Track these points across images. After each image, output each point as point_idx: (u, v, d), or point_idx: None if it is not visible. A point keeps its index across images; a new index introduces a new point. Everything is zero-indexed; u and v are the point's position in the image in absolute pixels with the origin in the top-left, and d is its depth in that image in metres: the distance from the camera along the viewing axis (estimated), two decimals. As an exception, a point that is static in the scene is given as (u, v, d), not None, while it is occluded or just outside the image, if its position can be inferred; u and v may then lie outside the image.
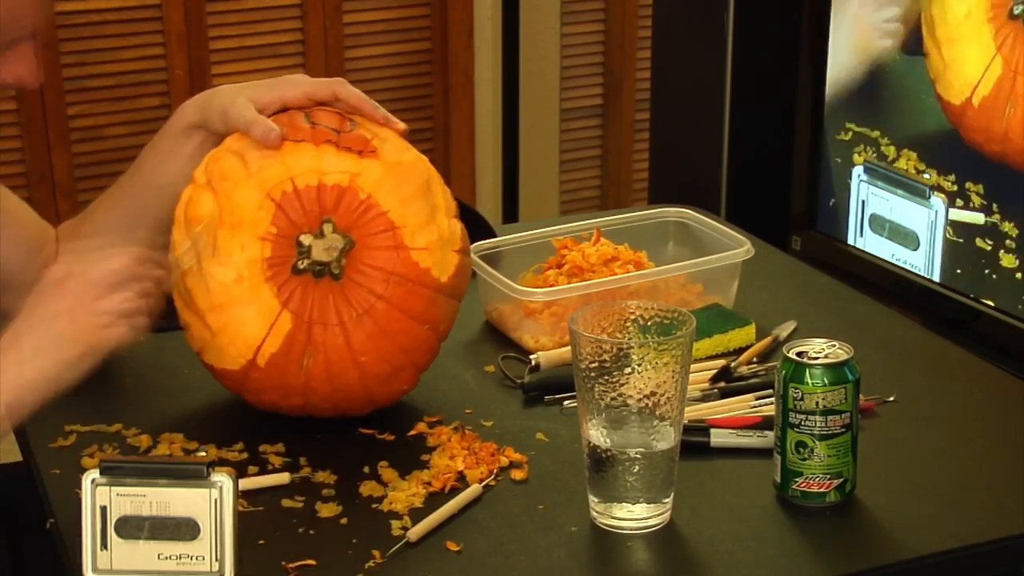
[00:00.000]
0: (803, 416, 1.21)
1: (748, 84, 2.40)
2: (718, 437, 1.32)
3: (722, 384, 1.45)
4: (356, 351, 1.30)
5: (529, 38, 3.39)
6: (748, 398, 1.42)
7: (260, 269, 1.29)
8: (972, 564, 1.20)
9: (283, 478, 1.27)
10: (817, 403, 1.21)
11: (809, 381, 1.21)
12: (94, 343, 1.24)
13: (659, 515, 1.21)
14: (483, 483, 1.26)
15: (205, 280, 1.29)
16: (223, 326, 1.29)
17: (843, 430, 1.22)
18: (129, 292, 1.26)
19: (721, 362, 1.48)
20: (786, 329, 1.57)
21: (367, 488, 1.26)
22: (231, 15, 3.21)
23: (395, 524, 1.20)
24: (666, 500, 1.21)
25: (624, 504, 1.20)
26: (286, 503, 1.24)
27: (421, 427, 1.37)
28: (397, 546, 1.17)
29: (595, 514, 1.22)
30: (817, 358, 1.22)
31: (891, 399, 1.41)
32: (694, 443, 1.29)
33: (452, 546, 1.18)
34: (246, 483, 1.24)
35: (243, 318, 1.29)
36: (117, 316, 1.25)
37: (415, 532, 1.18)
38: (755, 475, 1.28)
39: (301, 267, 1.30)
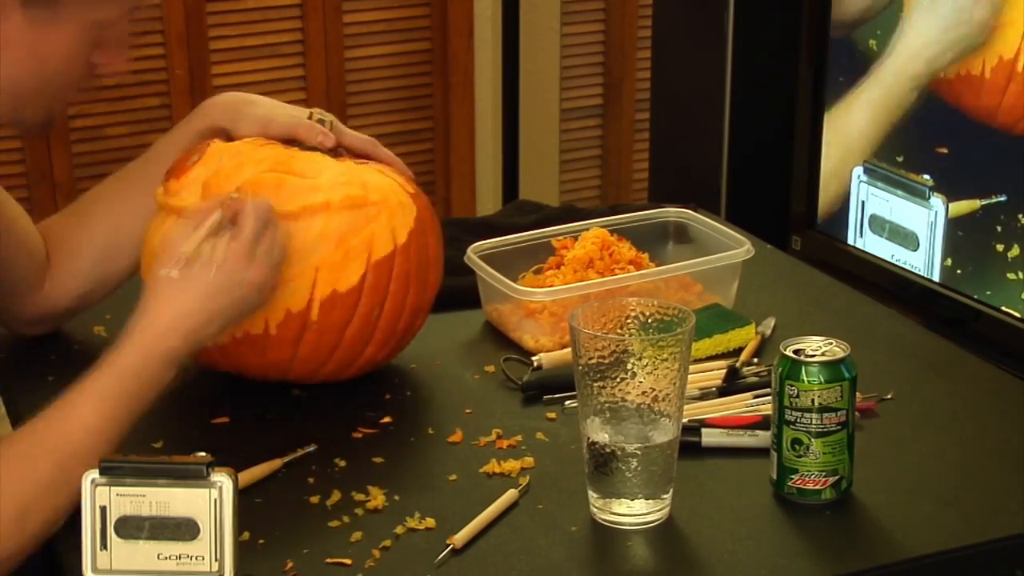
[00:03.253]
0: (799, 413, 1.22)
1: (748, 84, 2.40)
2: (709, 437, 1.33)
3: (721, 383, 1.45)
4: None
5: (529, 38, 3.39)
6: (745, 396, 1.42)
7: None
8: (972, 564, 1.20)
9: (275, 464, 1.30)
10: (813, 400, 1.21)
11: (805, 378, 1.21)
12: (270, 294, 1.32)
13: (658, 511, 1.21)
14: (520, 488, 1.27)
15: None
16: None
17: (839, 427, 1.22)
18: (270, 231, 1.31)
19: (722, 362, 1.48)
20: (768, 325, 1.57)
21: (367, 494, 1.27)
22: (231, 15, 3.21)
23: (395, 523, 1.21)
24: (665, 496, 1.21)
25: (623, 500, 1.20)
26: (285, 502, 1.25)
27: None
28: (444, 553, 1.17)
29: (595, 510, 1.22)
30: (814, 355, 1.22)
31: (888, 397, 1.41)
32: (685, 443, 1.29)
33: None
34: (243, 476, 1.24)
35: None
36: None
37: (459, 538, 1.18)
38: (754, 474, 1.28)
39: None
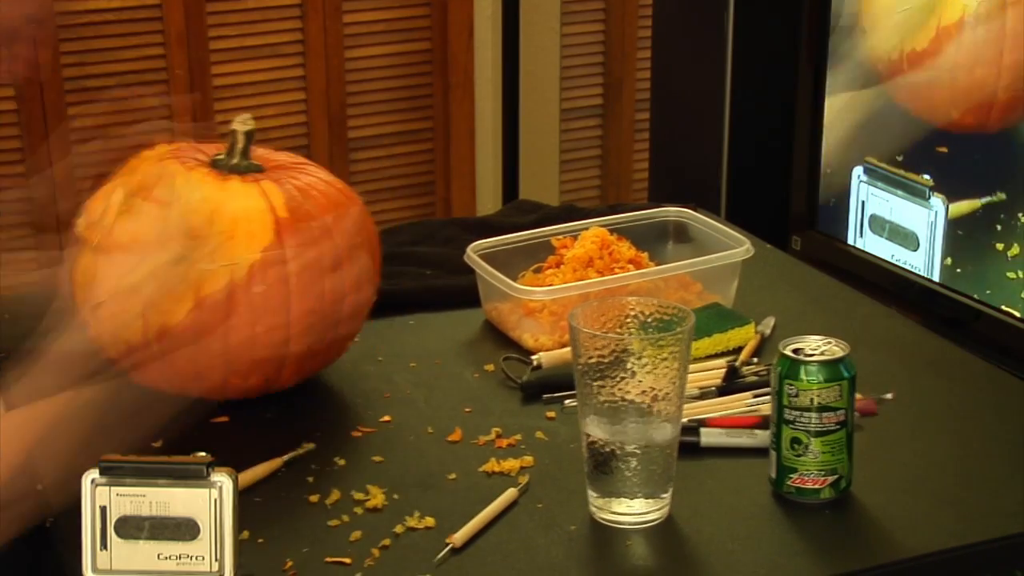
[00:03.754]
0: (798, 412, 1.22)
1: (748, 84, 2.40)
2: (708, 437, 1.33)
3: (721, 382, 1.45)
4: None
5: (529, 38, 3.39)
6: (745, 396, 1.42)
7: None
8: (971, 564, 1.20)
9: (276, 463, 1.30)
10: (812, 400, 1.21)
11: (804, 377, 1.21)
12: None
13: (658, 510, 1.21)
14: (519, 487, 1.27)
15: None
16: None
17: (838, 427, 1.22)
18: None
19: (722, 361, 1.49)
20: (768, 325, 1.57)
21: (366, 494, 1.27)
22: (231, 15, 3.21)
23: (394, 523, 1.21)
24: (664, 495, 1.21)
25: (623, 499, 1.20)
26: (285, 501, 1.25)
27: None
28: (443, 552, 1.17)
29: (594, 509, 1.22)
30: (813, 355, 1.22)
31: (888, 396, 1.41)
32: (684, 442, 1.29)
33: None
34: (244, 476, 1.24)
35: None
36: None
37: (459, 537, 1.18)
38: (753, 474, 1.28)
39: None
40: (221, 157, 1.41)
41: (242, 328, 1.35)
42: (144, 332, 1.32)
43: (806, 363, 1.21)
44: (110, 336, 1.31)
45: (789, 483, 1.24)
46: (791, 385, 1.22)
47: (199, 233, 1.33)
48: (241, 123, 1.42)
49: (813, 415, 1.21)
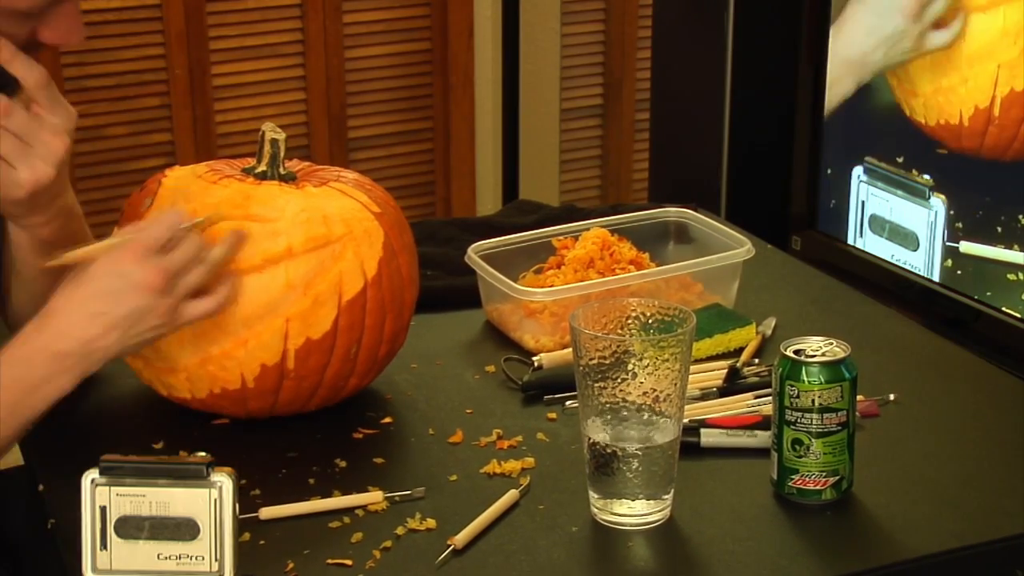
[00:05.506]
0: (799, 413, 1.22)
1: (748, 84, 2.40)
2: (708, 437, 1.33)
3: (722, 383, 1.45)
4: None
5: (529, 38, 3.40)
6: (746, 397, 1.42)
7: None
8: (972, 564, 1.20)
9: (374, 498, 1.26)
10: (813, 401, 1.21)
11: (805, 379, 1.21)
12: (175, 322, 1.26)
13: (659, 511, 1.21)
14: (520, 489, 1.26)
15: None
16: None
17: (839, 428, 1.22)
18: (207, 266, 1.26)
19: (722, 362, 1.48)
20: (768, 325, 1.57)
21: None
22: (231, 15, 3.21)
23: (394, 524, 1.21)
24: (666, 496, 1.21)
25: (624, 500, 1.20)
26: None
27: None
28: (444, 554, 1.17)
29: (595, 510, 1.22)
30: (814, 356, 1.22)
31: (891, 398, 1.41)
32: (684, 443, 1.29)
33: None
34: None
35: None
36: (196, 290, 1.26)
37: (460, 539, 1.18)
38: (754, 474, 1.28)
39: None
40: (264, 169, 1.38)
41: (375, 327, 1.36)
42: (283, 351, 1.32)
43: (807, 364, 1.21)
44: (239, 365, 1.31)
45: (791, 484, 1.23)
46: (792, 386, 1.21)
47: (323, 241, 1.32)
48: (273, 131, 1.39)
49: (814, 416, 1.21)
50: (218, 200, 1.33)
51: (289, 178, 1.38)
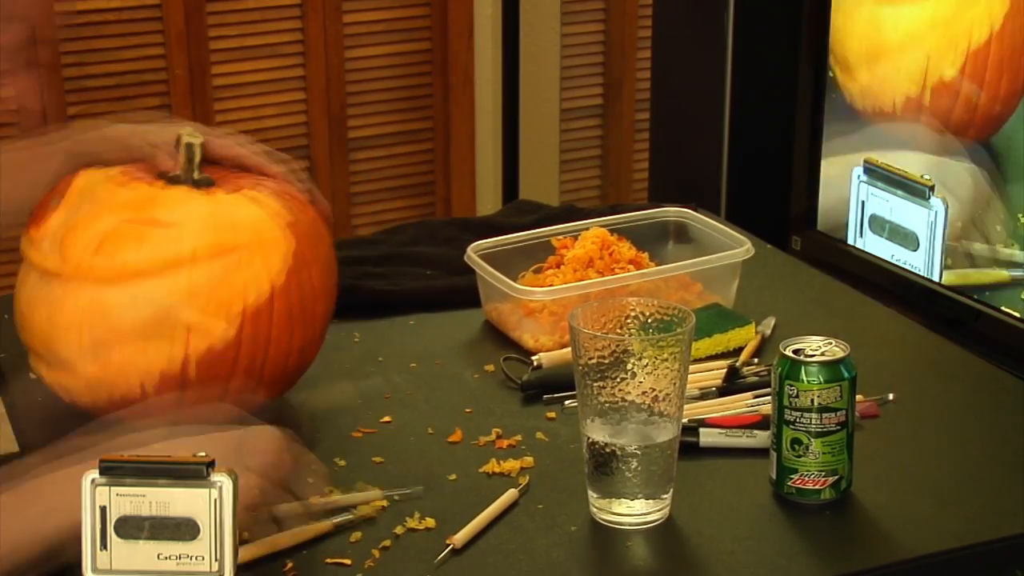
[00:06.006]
0: (799, 413, 1.22)
1: (748, 84, 2.39)
2: (707, 437, 1.33)
3: (721, 383, 1.45)
4: None
5: (529, 38, 3.39)
6: (745, 396, 1.42)
7: None
8: (972, 564, 1.20)
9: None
10: (813, 400, 1.21)
11: (805, 378, 1.21)
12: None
13: (659, 511, 1.21)
14: (520, 488, 1.26)
15: None
16: None
17: (838, 427, 1.22)
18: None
19: (722, 362, 1.48)
20: (768, 325, 1.57)
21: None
22: (231, 15, 3.21)
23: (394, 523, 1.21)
24: (665, 496, 1.21)
25: (623, 500, 1.20)
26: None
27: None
28: (444, 553, 1.17)
29: (595, 510, 1.22)
30: (813, 355, 1.22)
31: (890, 398, 1.41)
32: (683, 443, 1.29)
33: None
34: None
35: None
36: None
37: (459, 538, 1.18)
38: (754, 474, 1.28)
39: None
40: (178, 173, 1.34)
41: (281, 339, 1.32)
42: (183, 359, 1.28)
43: (807, 364, 1.21)
44: (139, 373, 1.27)
45: (790, 484, 1.24)
46: (792, 386, 1.21)
47: (225, 249, 1.29)
48: (190, 135, 1.36)
49: (814, 416, 1.21)
50: (123, 203, 1.30)
51: (204, 183, 1.34)
